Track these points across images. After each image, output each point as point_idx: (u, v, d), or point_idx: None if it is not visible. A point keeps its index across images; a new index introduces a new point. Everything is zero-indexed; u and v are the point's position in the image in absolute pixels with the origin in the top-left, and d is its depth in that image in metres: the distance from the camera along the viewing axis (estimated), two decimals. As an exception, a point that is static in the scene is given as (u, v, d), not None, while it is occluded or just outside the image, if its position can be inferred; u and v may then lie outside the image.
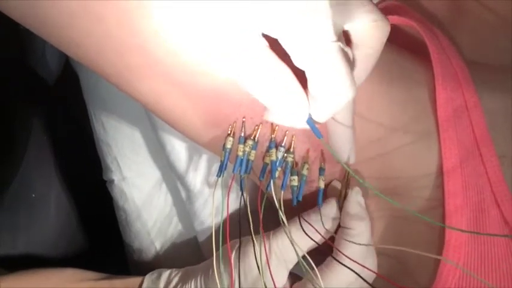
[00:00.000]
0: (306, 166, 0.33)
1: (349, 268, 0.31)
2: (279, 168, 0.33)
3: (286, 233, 0.32)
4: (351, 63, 0.26)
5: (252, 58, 0.25)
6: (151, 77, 0.29)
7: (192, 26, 0.25)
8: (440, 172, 0.33)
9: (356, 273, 0.31)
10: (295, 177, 0.33)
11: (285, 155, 0.32)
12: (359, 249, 0.32)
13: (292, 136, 0.32)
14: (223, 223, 0.32)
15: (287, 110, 0.27)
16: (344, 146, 0.32)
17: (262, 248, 0.32)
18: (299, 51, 0.24)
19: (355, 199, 0.33)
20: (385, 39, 0.27)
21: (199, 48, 0.27)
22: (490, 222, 0.32)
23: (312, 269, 0.32)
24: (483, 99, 0.34)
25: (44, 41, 0.60)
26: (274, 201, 0.32)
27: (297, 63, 0.25)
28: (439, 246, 0.31)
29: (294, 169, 0.33)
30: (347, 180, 0.34)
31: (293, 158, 0.32)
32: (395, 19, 0.36)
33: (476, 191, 0.32)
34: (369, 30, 0.26)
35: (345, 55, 0.25)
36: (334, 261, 0.32)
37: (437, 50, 0.34)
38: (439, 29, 0.37)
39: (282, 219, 0.32)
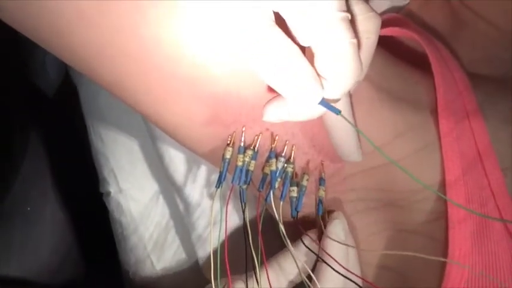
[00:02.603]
0: (306, 177, 0.32)
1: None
2: (279, 179, 0.32)
3: (288, 248, 0.31)
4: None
5: (260, 35, 0.23)
6: (150, 86, 0.29)
7: (192, 27, 0.25)
8: (442, 184, 0.32)
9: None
10: (295, 188, 0.32)
11: (285, 165, 0.32)
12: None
13: (293, 146, 0.32)
14: (222, 244, 0.31)
15: (299, 92, 0.25)
16: (348, 143, 0.30)
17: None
18: (304, 24, 0.23)
19: (335, 232, 0.32)
20: (378, 32, 0.26)
21: (198, 55, 0.27)
22: (494, 235, 0.31)
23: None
24: (485, 111, 0.34)
25: (43, 52, 0.60)
26: (273, 212, 0.31)
27: (302, 39, 0.24)
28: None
29: (294, 180, 0.32)
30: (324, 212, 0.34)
31: (293, 168, 0.32)
32: (397, 31, 0.36)
33: (479, 204, 0.31)
34: (362, 23, 0.26)
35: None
36: None
37: (439, 62, 0.34)
38: (439, 42, 0.37)
39: (281, 231, 0.31)
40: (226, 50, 0.27)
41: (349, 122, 0.27)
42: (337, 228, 0.32)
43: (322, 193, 0.33)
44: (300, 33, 0.24)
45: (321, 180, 0.33)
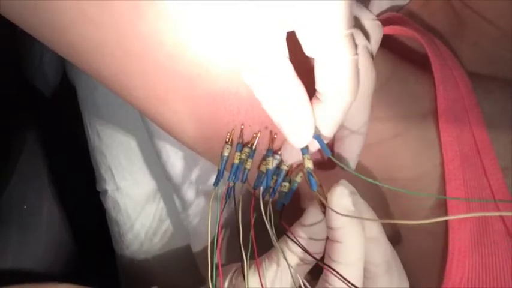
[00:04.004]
0: (300, 174, 0.32)
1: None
2: (274, 177, 0.32)
3: (282, 255, 0.29)
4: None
5: (270, 66, 0.24)
6: (149, 83, 0.29)
7: (193, 26, 0.25)
8: (442, 184, 0.32)
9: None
10: (287, 184, 0.32)
11: (281, 163, 0.32)
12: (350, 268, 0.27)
13: (291, 145, 0.32)
14: (217, 235, 0.30)
15: (292, 126, 0.26)
16: (351, 152, 0.31)
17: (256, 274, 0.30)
18: (312, 37, 0.24)
19: (339, 202, 0.26)
20: (381, 38, 0.27)
21: (198, 53, 0.27)
22: (494, 236, 0.31)
23: None
24: (485, 110, 0.34)
25: (41, 51, 0.60)
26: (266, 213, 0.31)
27: (308, 51, 0.24)
28: (443, 258, 0.30)
29: (288, 176, 0.32)
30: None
31: (288, 166, 0.32)
32: (398, 30, 0.36)
33: (480, 204, 0.31)
34: (371, 28, 0.27)
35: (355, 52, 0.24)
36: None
37: (439, 61, 0.34)
38: (440, 41, 0.37)
39: (272, 233, 0.30)
40: (226, 49, 0.27)
41: (337, 163, 0.28)
42: (342, 198, 0.26)
43: (308, 164, 0.28)
44: (306, 45, 0.24)
45: (303, 150, 0.28)
